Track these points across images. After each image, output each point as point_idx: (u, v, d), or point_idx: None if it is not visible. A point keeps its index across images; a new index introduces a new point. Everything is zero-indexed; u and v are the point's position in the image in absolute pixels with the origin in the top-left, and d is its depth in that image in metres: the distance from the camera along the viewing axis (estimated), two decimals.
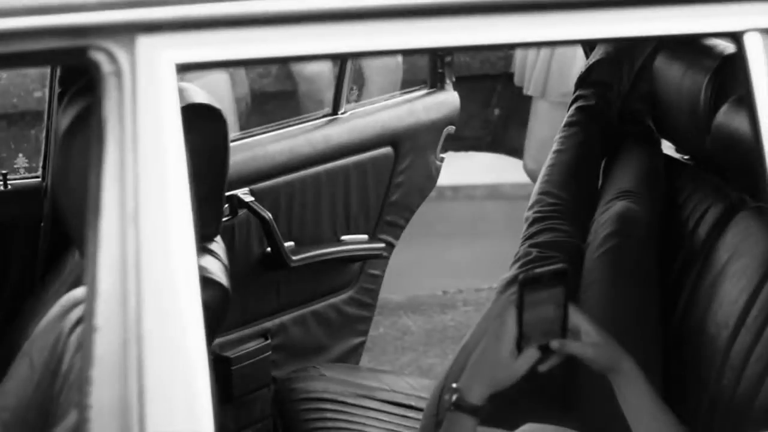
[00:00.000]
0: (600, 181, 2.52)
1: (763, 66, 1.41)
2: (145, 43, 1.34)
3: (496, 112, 4.83)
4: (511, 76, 4.43)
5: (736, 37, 1.44)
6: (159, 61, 1.35)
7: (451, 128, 3.26)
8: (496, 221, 5.64)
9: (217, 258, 2.20)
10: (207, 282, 2.18)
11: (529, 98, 4.25)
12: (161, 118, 1.34)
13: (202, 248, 2.25)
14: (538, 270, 1.83)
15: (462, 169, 5.23)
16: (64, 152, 1.65)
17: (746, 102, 1.44)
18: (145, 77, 1.34)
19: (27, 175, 2.73)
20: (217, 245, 2.25)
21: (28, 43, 1.32)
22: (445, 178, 3.49)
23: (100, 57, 1.33)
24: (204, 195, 2.21)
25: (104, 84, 1.34)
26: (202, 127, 2.18)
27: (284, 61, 2.25)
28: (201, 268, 2.18)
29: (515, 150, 4.57)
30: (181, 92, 2.27)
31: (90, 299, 1.32)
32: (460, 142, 4.30)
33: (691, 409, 2.06)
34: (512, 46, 3.69)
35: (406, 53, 3.27)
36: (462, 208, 5.97)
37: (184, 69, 1.36)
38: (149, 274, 1.31)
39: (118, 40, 1.34)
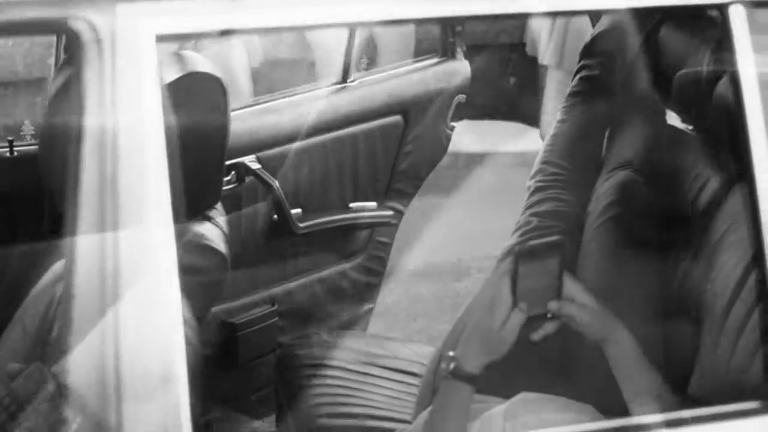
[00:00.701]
0: (603, 151, 2.52)
1: (746, 36, 1.40)
2: (124, 12, 1.35)
3: (512, 80, 4.82)
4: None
5: (721, 9, 1.44)
6: (139, 31, 1.35)
7: (462, 97, 3.26)
8: (517, 189, 5.61)
9: (216, 225, 2.22)
10: (205, 249, 2.20)
11: (544, 68, 4.24)
12: (140, 87, 1.35)
13: (202, 216, 2.27)
14: (533, 242, 1.84)
15: (481, 136, 5.22)
16: (48, 120, 1.66)
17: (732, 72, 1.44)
18: (124, 46, 1.35)
19: (33, 141, 2.75)
20: (217, 212, 2.26)
21: (8, 13, 1.32)
22: (465, 146, 3.49)
23: (80, 26, 1.34)
24: (204, 163, 2.23)
25: (84, 53, 1.35)
26: (203, 94, 2.19)
27: (268, 32, 2.24)
28: (200, 236, 2.22)
29: (530, 118, 4.57)
30: (183, 60, 2.30)
31: (68, 267, 1.33)
32: (475, 111, 4.30)
33: (687, 378, 2.06)
34: (516, 16, 3.68)
35: (401, 23, 3.26)
36: (483, 175, 5.96)
37: (164, 39, 1.36)
38: (127, 242, 1.32)
39: (98, 10, 1.34)
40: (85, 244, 1.34)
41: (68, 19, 1.35)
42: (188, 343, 1.44)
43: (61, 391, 1.39)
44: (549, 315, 1.86)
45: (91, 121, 1.34)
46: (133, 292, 1.32)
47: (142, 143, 1.34)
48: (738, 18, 1.41)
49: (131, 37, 1.36)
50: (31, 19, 1.35)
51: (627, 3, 1.55)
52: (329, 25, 1.52)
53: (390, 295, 4.04)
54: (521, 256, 1.82)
